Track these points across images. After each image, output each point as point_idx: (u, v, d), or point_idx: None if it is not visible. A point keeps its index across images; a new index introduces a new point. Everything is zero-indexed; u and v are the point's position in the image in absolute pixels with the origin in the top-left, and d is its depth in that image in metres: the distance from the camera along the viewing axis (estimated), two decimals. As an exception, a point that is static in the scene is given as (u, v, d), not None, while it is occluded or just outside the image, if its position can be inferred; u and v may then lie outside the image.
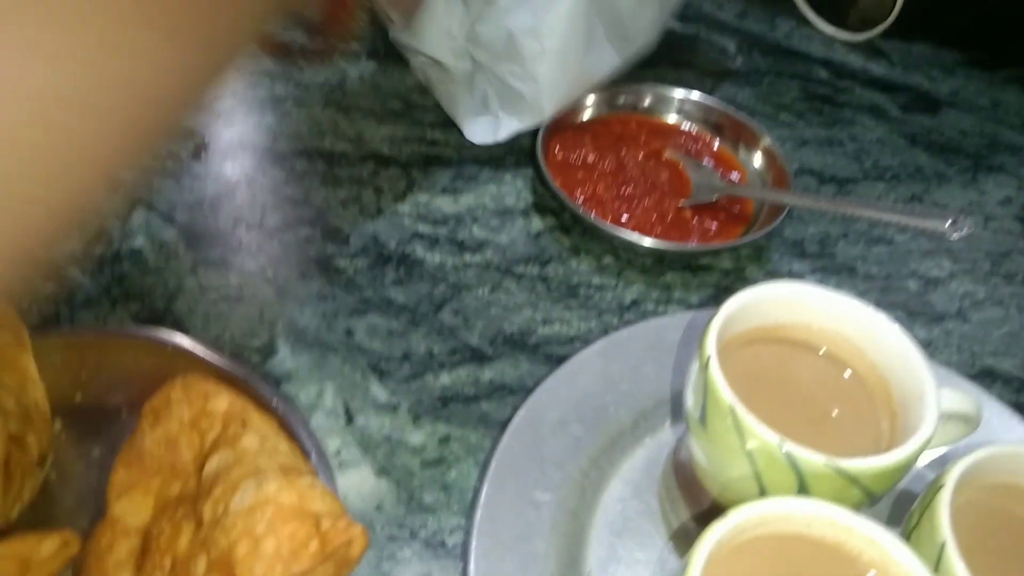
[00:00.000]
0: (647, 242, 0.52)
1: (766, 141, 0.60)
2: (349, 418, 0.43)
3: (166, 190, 0.54)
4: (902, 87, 0.73)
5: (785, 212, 0.54)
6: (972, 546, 0.32)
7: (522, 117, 0.57)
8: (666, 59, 0.71)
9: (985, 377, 0.50)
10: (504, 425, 0.42)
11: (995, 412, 0.45)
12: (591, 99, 0.61)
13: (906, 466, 0.34)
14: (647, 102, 0.63)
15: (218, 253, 0.50)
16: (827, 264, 0.56)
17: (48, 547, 0.32)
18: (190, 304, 0.47)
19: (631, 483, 0.42)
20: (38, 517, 0.36)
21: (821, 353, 0.40)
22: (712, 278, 0.53)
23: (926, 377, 0.36)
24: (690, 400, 0.37)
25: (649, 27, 0.60)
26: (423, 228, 0.54)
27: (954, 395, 0.37)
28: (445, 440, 0.43)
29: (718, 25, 0.77)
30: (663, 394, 0.45)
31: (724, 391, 0.35)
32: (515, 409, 0.43)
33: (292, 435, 0.38)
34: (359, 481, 0.41)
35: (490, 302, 0.50)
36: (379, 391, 0.45)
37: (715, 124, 0.62)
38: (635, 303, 0.51)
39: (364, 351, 0.46)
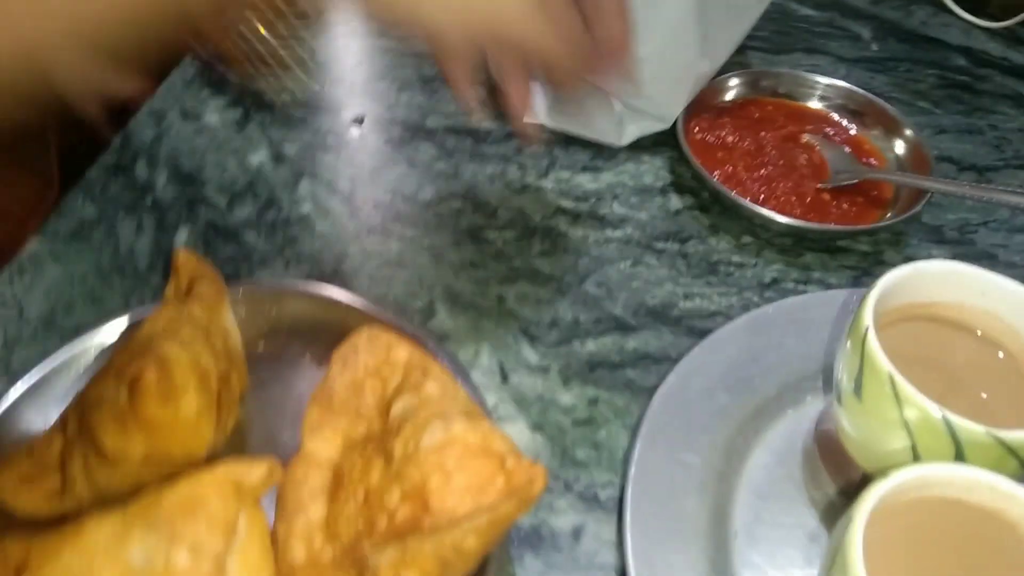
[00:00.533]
0: (785, 220, 0.53)
1: (905, 127, 0.60)
2: (504, 377, 0.46)
3: (328, 162, 0.58)
4: (1045, 76, 0.72)
5: (926, 198, 0.54)
6: None
7: (645, 125, 0.59)
8: (801, 45, 0.72)
9: None
10: (652, 391, 0.44)
11: None
12: (732, 82, 0.62)
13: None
14: (786, 87, 0.63)
15: (378, 221, 0.54)
16: (967, 251, 0.56)
17: (257, 473, 0.35)
18: (356, 266, 0.51)
19: (775, 452, 0.43)
20: (235, 449, 0.40)
21: (976, 334, 0.40)
22: (850, 260, 0.54)
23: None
24: (843, 372, 0.39)
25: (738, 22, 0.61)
26: (566, 203, 0.56)
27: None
28: (594, 402, 0.45)
29: (852, 11, 0.77)
30: (807, 369, 0.46)
31: (883, 360, 0.36)
32: (660, 377, 0.45)
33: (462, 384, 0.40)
34: (515, 435, 0.44)
35: (632, 275, 0.52)
36: (530, 354, 0.47)
37: (853, 110, 0.62)
38: (775, 281, 0.52)
39: (515, 316, 0.49)
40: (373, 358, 0.40)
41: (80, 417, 0.36)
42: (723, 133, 0.59)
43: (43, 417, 0.40)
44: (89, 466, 0.36)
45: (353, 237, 0.53)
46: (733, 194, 0.54)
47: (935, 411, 0.34)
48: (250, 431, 0.42)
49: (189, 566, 0.32)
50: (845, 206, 0.56)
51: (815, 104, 0.63)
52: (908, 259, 0.54)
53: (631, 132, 0.60)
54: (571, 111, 0.60)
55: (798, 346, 0.47)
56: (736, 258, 0.53)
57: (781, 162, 0.58)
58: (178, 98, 0.62)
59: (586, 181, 0.58)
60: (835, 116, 0.63)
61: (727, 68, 0.62)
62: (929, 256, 0.55)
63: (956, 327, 0.41)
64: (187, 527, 0.33)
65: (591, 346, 0.48)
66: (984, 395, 0.39)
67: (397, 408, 0.37)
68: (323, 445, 0.38)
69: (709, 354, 0.46)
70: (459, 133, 0.61)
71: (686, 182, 0.58)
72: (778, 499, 0.42)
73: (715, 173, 0.57)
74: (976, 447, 0.34)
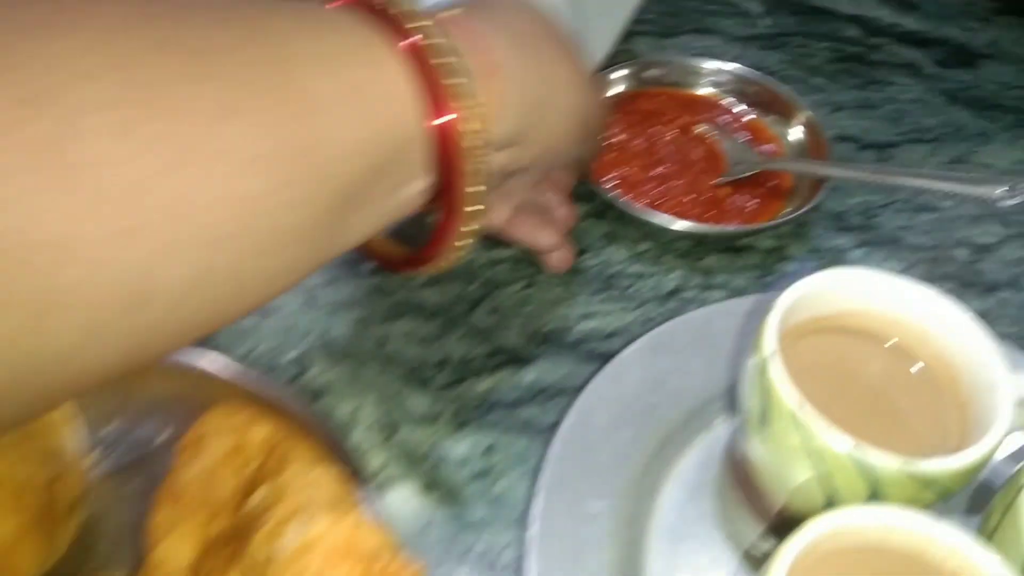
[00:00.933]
0: (681, 225, 0.50)
1: (801, 109, 0.57)
2: (391, 431, 0.42)
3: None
4: (937, 41, 0.70)
5: (825, 187, 0.52)
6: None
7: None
8: (690, 26, 0.69)
9: (1047, 350, 0.47)
10: (552, 430, 0.40)
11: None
12: (616, 74, 0.59)
13: (983, 464, 0.33)
14: (675, 75, 0.60)
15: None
16: (872, 237, 0.53)
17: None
18: (217, 320, 0.46)
19: (687, 486, 0.40)
20: (84, 553, 0.35)
21: (887, 345, 0.38)
22: (754, 259, 0.51)
23: (998, 365, 0.34)
24: (748, 399, 0.35)
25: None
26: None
27: (1028, 381, 0.35)
28: (490, 449, 0.42)
29: None
30: (714, 389, 0.43)
31: (786, 392, 0.33)
32: (560, 412, 0.41)
33: (334, 456, 0.36)
34: (404, 499, 0.39)
35: (524, 299, 0.48)
36: (419, 401, 0.43)
37: (747, 94, 0.59)
38: (676, 290, 0.49)
39: (400, 360, 0.45)
40: (227, 442, 0.35)
41: None
42: (612, 132, 0.55)
43: None
44: None
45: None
46: (623, 200, 0.51)
47: (846, 447, 0.32)
48: (102, 531, 0.37)
49: None
50: (745, 200, 0.53)
51: (707, 91, 0.60)
52: (813, 251, 0.52)
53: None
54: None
55: (703, 365, 0.43)
56: (634, 268, 0.50)
57: (676, 158, 0.55)
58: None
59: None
60: (729, 103, 0.60)
61: (612, 60, 0.58)
62: (833, 246, 0.52)
63: (869, 338, 0.38)
64: None
65: (486, 383, 0.44)
66: (901, 408, 0.37)
67: (254, 500, 0.32)
68: (175, 550, 0.34)
69: (610, 383, 0.43)
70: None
71: (576, 189, 0.54)
72: (693, 540, 0.39)
73: (607, 177, 0.53)
74: (891, 482, 0.32)
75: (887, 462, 0.31)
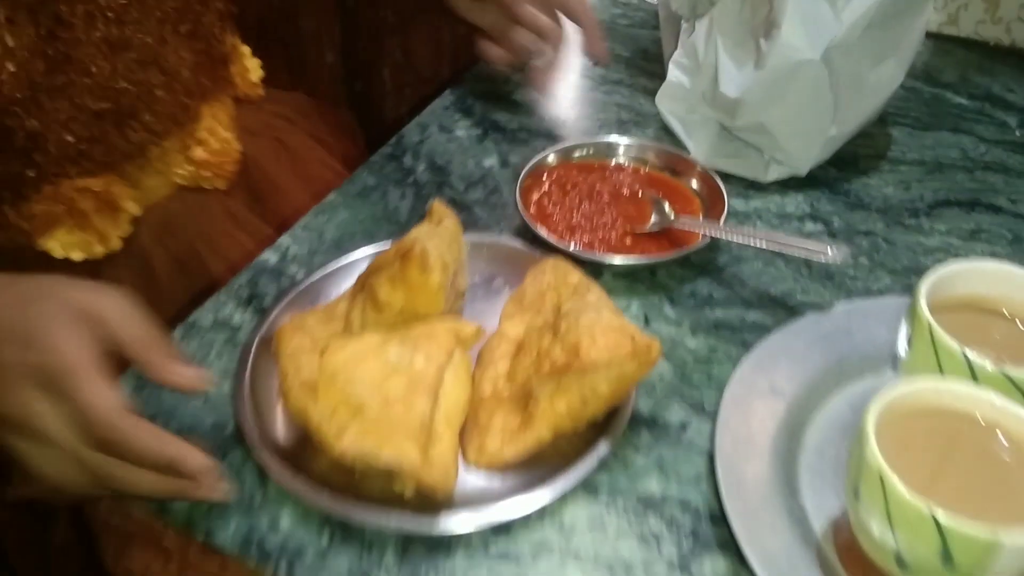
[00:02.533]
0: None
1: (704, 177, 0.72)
2: (646, 322, 0.62)
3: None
4: None
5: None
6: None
7: (783, 170, 0.75)
8: (948, 126, 0.84)
9: None
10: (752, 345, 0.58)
11: None
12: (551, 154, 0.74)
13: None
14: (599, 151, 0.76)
15: (571, 211, 0.72)
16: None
17: (470, 329, 0.53)
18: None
19: (849, 404, 0.55)
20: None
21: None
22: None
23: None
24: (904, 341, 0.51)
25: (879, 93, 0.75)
26: (718, 217, 0.72)
27: None
28: (714, 349, 0.60)
29: (1002, 102, 0.88)
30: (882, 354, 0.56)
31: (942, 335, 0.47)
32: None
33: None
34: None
35: (762, 272, 0.66)
36: (670, 311, 0.63)
37: (674, 169, 0.74)
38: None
39: (664, 287, 0.65)
40: (554, 278, 0.57)
41: (363, 282, 0.56)
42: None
43: (334, 294, 0.60)
44: (365, 313, 0.55)
45: (551, 218, 0.71)
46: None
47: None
48: (466, 315, 0.60)
49: (423, 367, 0.50)
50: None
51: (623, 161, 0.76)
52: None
53: (773, 173, 0.74)
54: (730, 155, 0.76)
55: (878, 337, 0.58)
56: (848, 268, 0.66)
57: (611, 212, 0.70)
58: (438, 116, 0.84)
59: (738, 204, 0.73)
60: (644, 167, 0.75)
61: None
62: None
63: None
64: (425, 344, 0.51)
65: (719, 313, 0.63)
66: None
67: (566, 307, 0.54)
68: (512, 327, 0.56)
69: (810, 324, 0.59)
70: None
71: (819, 214, 0.72)
72: (841, 438, 0.54)
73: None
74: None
75: (985, 363, 0.45)
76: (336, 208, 0.72)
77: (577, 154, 0.75)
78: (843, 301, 0.62)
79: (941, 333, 0.47)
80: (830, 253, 0.60)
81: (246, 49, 0.85)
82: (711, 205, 0.70)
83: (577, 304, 0.53)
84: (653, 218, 0.69)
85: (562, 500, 0.49)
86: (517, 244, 0.65)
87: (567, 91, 0.90)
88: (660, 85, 0.81)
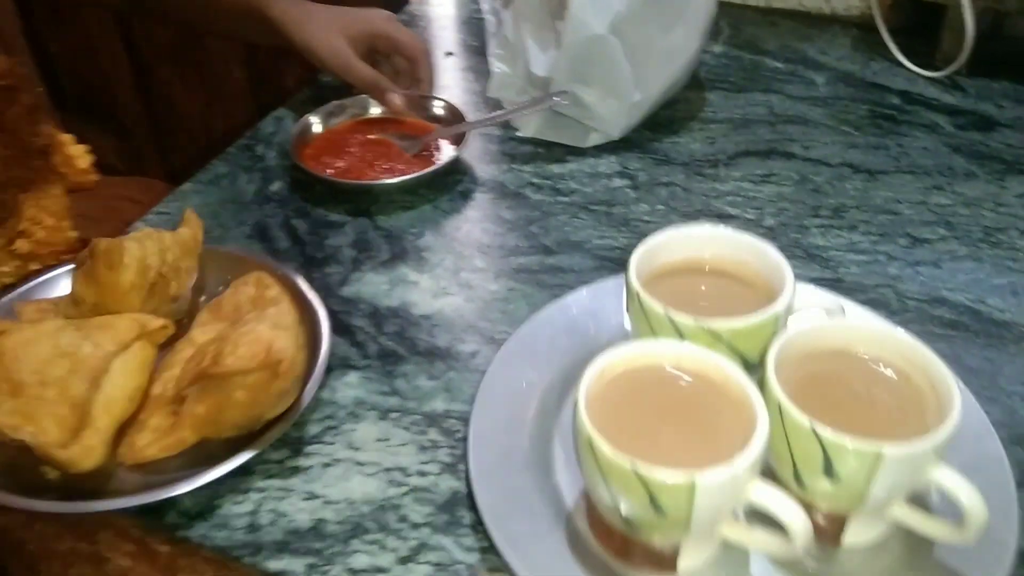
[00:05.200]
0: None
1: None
2: (456, 273, 0.69)
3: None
4: (967, 112, 0.87)
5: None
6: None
7: (599, 136, 0.83)
8: (759, 87, 0.92)
9: (928, 297, 0.64)
10: (556, 288, 0.65)
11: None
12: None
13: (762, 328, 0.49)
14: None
15: (401, 183, 0.79)
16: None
17: (155, 323, 0.57)
18: (378, 207, 0.76)
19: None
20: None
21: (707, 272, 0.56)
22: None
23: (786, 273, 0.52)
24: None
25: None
26: (535, 180, 0.79)
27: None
28: (512, 291, 0.67)
29: (814, 64, 0.96)
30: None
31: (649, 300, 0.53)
32: (565, 283, 0.66)
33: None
34: (455, 304, 0.66)
35: (566, 224, 0.74)
36: (479, 262, 0.70)
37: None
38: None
39: (476, 241, 0.72)
40: (255, 291, 0.61)
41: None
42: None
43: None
44: (66, 307, 0.60)
45: (381, 190, 0.78)
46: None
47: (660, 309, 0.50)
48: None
49: (89, 352, 0.53)
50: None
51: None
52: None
53: (592, 139, 0.82)
54: (555, 128, 0.84)
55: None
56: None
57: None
58: (294, 108, 0.91)
59: (556, 168, 0.81)
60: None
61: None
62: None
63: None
64: (98, 333, 0.55)
65: (524, 260, 0.70)
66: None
67: (246, 318, 0.56)
68: (201, 334, 0.59)
69: (558, 312, 0.62)
70: (473, 136, 0.86)
71: (628, 171, 0.80)
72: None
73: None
74: (693, 336, 0.49)
75: (687, 320, 0.49)
76: (188, 195, 0.79)
77: (338, 118, 0.86)
78: (587, 286, 0.65)
79: (648, 299, 0.50)
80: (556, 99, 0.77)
81: (68, 137, 0.88)
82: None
83: (254, 316, 0.56)
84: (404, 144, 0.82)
85: (354, 420, 0.57)
86: (257, 255, 0.69)
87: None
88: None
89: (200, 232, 0.66)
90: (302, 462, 0.55)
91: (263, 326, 0.54)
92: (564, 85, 0.80)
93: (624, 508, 0.44)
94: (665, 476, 0.41)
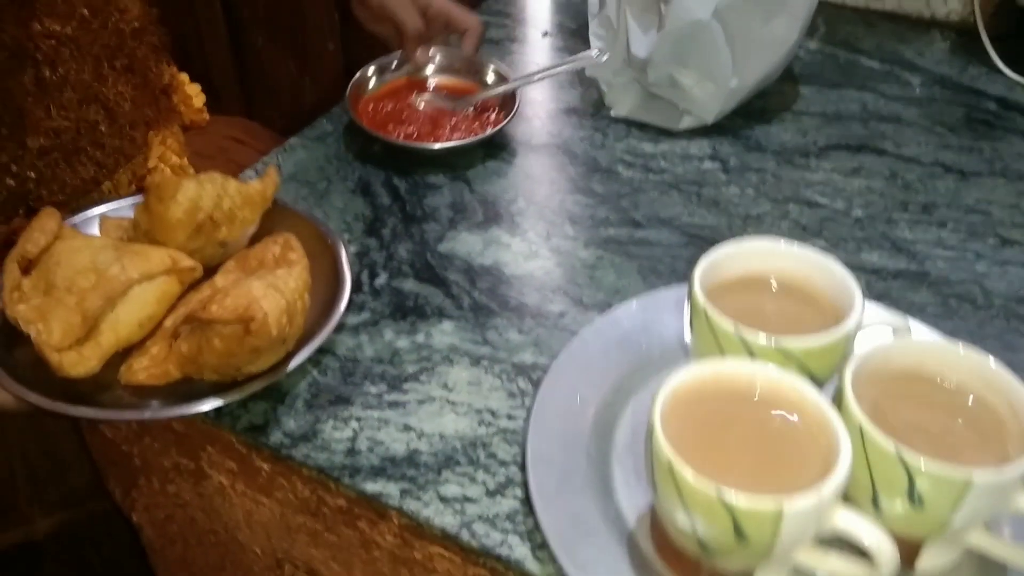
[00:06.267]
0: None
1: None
2: (548, 238, 0.72)
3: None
4: (1065, 122, 0.87)
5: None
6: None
7: (692, 119, 0.84)
8: (853, 84, 0.93)
9: (1015, 295, 0.65)
10: (651, 259, 0.67)
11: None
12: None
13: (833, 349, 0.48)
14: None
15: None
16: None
17: (187, 262, 0.60)
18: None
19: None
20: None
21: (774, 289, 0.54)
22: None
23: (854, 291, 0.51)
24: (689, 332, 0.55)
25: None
26: (627, 157, 0.81)
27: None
28: (600, 258, 0.70)
29: (910, 65, 0.96)
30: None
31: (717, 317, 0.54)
32: (653, 253, 0.68)
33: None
34: (543, 266, 0.69)
35: (656, 200, 0.76)
36: (569, 230, 0.73)
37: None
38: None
39: (567, 211, 0.75)
40: (280, 249, 0.64)
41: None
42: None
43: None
44: (129, 228, 0.65)
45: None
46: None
47: (731, 327, 0.48)
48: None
49: (115, 274, 0.57)
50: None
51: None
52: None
53: (685, 122, 0.84)
54: (648, 109, 0.86)
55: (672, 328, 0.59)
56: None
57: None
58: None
59: (648, 147, 0.83)
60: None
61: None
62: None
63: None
64: (130, 259, 0.59)
65: (614, 231, 0.72)
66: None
67: (258, 274, 0.60)
68: (221, 279, 0.63)
69: (608, 326, 0.61)
70: (568, 112, 0.88)
71: (719, 155, 0.81)
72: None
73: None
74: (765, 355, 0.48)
75: (759, 339, 0.48)
76: (295, 148, 0.83)
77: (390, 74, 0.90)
78: (637, 297, 0.64)
79: (716, 316, 0.49)
80: (594, 55, 0.80)
81: (185, 77, 0.93)
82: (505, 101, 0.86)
83: (264, 272, 0.60)
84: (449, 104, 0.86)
85: (448, 364, 0.60)
86: (319, 221, 0.69)
87: (519, 58, 1.00)
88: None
89: (271, 189, 0.68)
90: (398, 397, 0.59)
91: (259, 283, 0.56)
92: (663, 67, 0.81)
93: (703, 534, 0.42)
94: (752, 503, 0.40)
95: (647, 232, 0.72)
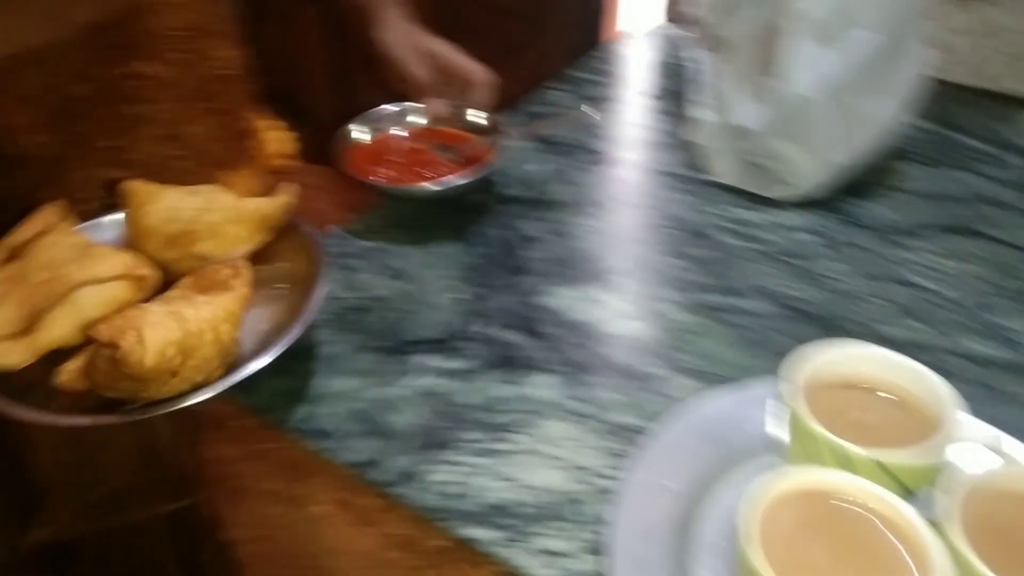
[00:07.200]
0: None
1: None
2: (644, 300, 0.74)
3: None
4: None
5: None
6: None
7: (790, 189, 0.85)
8: (957, 164, 0.93)
9: None
10: (744, 328, 0.69)
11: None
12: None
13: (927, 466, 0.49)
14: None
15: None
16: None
17: (144, 270, 0.63)
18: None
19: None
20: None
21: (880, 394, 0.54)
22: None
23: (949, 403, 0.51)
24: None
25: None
26: (722, 223, 0.83)
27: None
28: (702, 324, 0.71)
29: (1014, 147, 0.96)
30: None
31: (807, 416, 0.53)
32: (753, 319, 0.70)
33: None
34: (630, 329, 0.71)
35: (751, 268, 0.77)
36: (665, 292, 0.74)
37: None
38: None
39: (666, 273, 0.77)
40: (229, 273, 0.63)
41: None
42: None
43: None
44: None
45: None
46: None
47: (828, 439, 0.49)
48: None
49: (68, 272, 0.59)
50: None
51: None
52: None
53: (782, 192, 0.85)
54: (747, 175, 0.87)
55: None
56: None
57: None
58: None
59: (744, 214, 0.84)
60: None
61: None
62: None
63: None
64: (88, 259, 0.61)
65: (710, 298, 0.74)
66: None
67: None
68: (172, 294, 0.62)
69: (692, 413, 0.63)
70: (665, 174, 0.90)
71: (815, 228, 0.82)
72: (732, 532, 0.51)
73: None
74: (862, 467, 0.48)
75: (856, 449, 0.48)
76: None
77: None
78: (721, 387, 0.64)
79: (810, 421, 0.50)
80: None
81: (266, 123, 0.96)
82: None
83: (192, 296, 0.61)
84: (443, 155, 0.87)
85: (544, 417, 0.62)
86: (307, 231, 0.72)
87: (619, 118, 1.03)
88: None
89: (277, 211, 0.70)
90: (496, 446, 0.61)
91: (160, 309, 0.56)
92: (766, 137, 0.83)
93: None
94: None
95: (744, 301, 0.74)
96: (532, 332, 0.70)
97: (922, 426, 0.51)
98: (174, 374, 0.55)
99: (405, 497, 0.58)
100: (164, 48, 0.82)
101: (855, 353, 0.55)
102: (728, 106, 0.87)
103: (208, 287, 0.62)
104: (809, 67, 0.79)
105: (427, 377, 0.67)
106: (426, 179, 0.84)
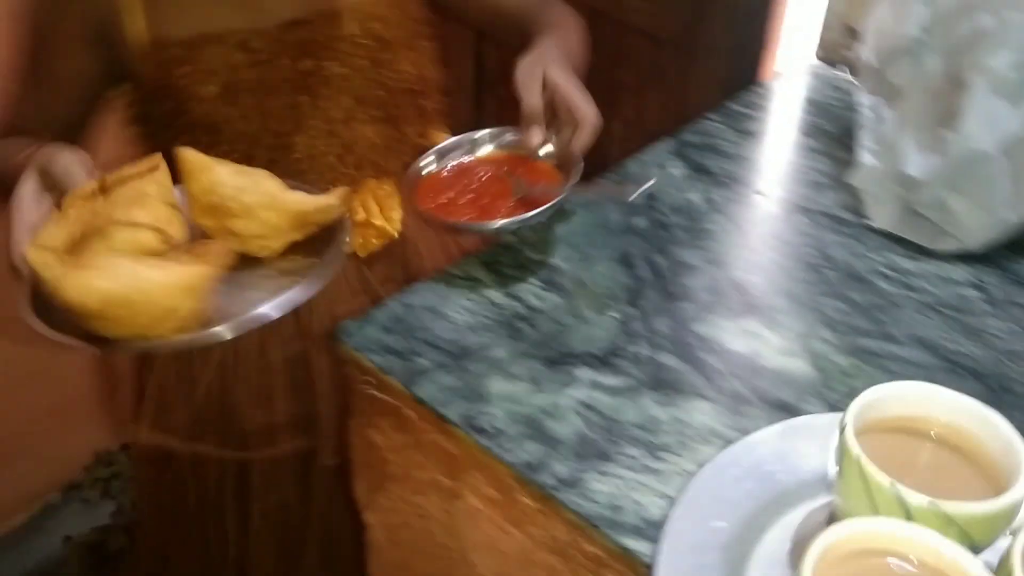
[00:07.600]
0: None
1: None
2: (804, 339, 0.74)
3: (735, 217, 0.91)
4: None
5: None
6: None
7: (956, 242, 0.84)
8: None
9: None
10: (889, 358, 0.69)
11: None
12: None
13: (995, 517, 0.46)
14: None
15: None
16: None
17: (171, 229, 0.70)
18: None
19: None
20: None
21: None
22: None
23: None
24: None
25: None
26: (882, 268, 0.83)
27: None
28: (856, 367, 0.71)
29: None
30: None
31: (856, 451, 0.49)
32: (903, 366, 0.69)
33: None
34: (806, 366, 0.71)
35: (912, 317, 0.77)
36: (826, 333, 0.75)
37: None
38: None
39: (822, 310, 0.77)
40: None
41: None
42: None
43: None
44: None
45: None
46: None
47: (889, 484, 0.47)
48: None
49: (111, 211, 0.69)
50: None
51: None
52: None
53: (947, 244, 0.85)
54: (909, 224, 0.87)
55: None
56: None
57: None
58: (657, 157, 1.00)
59: (906, 263, 0.84)
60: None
61: None
62: None
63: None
64: (136, 207, 0.70)
65: (868, 342, 0.74)
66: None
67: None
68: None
69: (743, 451, 0.62)
70: (821, 214, 0.91)
71: (981, 284, 0.81)
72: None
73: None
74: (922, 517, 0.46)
75: (919, 500, 0.46)
76: (572, 213, 0.89)
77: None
78: (774, 424, 0.65)
79: (871, 468, 0.48)
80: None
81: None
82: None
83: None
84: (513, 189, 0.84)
85: (704, 443, 0.64)
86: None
87: (775, 153, 1.04)
88: (853, 158, 0.94)
89: (315, 209, 0.75)
90: (656, 464, 0.63)
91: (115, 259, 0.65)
92: (936, 190, 0.83)
93: None
94: None
95: (904, 350, 0.74)
96: (689, 358, 0.72)
97: (989, 476, 0.49)
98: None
99: (572, 502, 0.60)
100: (350, 52, 0.88)
101: (918, 392, 0.53)
102: (895, 153, 0.87)
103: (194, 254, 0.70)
104: (991, 123, 0.79)
105: (586, 390, 0.69)
106: (492, 213, 0.82)
